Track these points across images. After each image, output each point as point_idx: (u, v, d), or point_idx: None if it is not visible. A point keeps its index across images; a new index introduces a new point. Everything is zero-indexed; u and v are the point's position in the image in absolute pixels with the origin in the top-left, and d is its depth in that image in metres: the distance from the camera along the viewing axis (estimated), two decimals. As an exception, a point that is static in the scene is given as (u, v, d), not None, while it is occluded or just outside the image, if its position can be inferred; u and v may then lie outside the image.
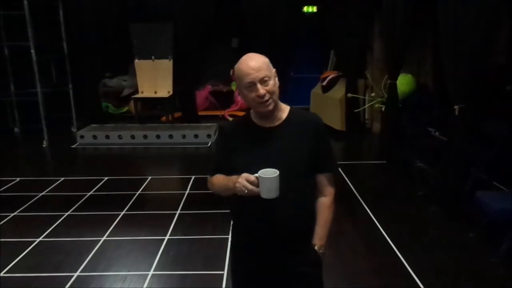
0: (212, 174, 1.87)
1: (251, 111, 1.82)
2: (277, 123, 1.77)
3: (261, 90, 1.66)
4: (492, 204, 3.59)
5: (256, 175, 1.61)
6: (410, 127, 5.84)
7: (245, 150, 1.76)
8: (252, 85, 1.67)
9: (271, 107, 1.71)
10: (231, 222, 1.88)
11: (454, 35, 4.02)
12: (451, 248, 3.61)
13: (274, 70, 1.75)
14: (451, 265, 3.36)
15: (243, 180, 1.62)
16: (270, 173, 1.60)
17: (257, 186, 1.61)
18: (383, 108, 6.43)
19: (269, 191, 1.60)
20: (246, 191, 1.62)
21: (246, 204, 1.71)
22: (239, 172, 1.66)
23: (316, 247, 1.79)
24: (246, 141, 1.78)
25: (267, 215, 1.69)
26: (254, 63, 1.68)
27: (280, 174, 1.60)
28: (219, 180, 1.82)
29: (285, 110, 1.81)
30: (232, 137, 1.83)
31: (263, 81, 1.67)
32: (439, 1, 4.19)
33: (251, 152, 1.75)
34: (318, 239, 1.80)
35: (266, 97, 1.68)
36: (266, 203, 1.63)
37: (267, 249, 1.75)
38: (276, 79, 1.74)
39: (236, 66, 1.72)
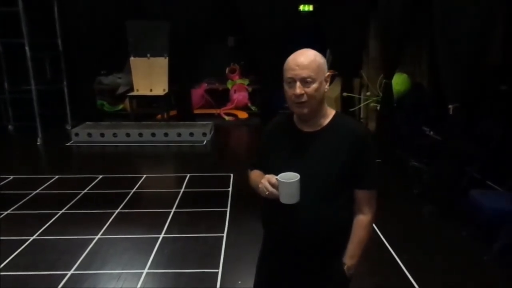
0: (252, 169, 1.84)
1: None
2: (317, 128, 1.67)
3: (298, 89, 1.56)
4: (486, 203, 3.61)
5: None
6: (405, 126, 5.87)
7: (280, 151, 1.71)
8: (292, 81, 1.58)
9: (305, 111, 1.60)
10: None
11: (449, 35, 4.04)
12: (445, 247, 3.63)
13: (326, 74, 1.63)
14: (445, 263, 3.38)
15: (265, 181, 1.58)
16: (291, 177, 1.54)
17: (278, 188, 1.57)
18: (378, 107, 6.45)
19: (287, 196, 1.55)
20: (266, 193, 1.58)
21: (271, 208, 1.67)
22: (272, 173, 1.61)
23: (345, 267, 1.68)
24: (283, 143, 1.72)
25: (289, 222, 1.64)
26: (302, 60, 1.57)
27: (309, 182, 1.54)
28: (255, 176, 1.77)
29: (328, 116, 1.69)
30: (271, 136, 1.78)
31: (304, 81, 1.56)
32: (435, 0, 4.20)
33: (285, 154, 1.69)
34: (349, 258, 1.68)
35: (303, 99, 1.57)
36: (289, 210, 1.58)
37: (288, 256, 1.71)
38: (325, 84, 1.63)
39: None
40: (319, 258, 1.69)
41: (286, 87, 1.62)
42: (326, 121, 1.68)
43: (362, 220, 1.69)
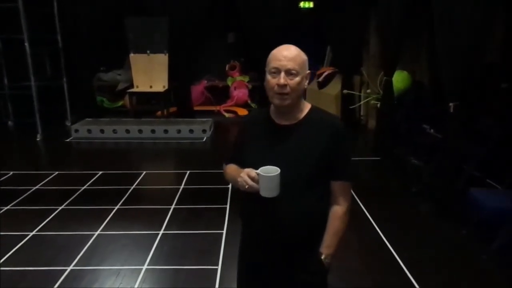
0: (227, 163, 1.85)
1: (271, 106, 1.76)
2: (293, 122, 1.71)
3: (282, 79, 1.60)
4: (485, 202, 3.61)
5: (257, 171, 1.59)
6: (405, 124, 5.87)
7: (257, 145, 1.74)
8: (277, 71, 1.62)
9: (286, 102, 1.65)
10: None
11: (450, 33, 4.03)
12: (444, 245, 3.63)
13: (308, 72, 1.69)
14: (444, 262, 3.38)
15: (245, 175, 1.60)
16: (271, 171, 1.56)
17: (258, 182, 1.58)
18: (378, 105, 6.44)
19: (268, 190, 1.57)
20: (246, 187, 1.60)
21: (251, 201, 1.68)
22: (248, 166, 1.64)
23: (322, 256, 1.71)
24: (260, 136, 1.75)
25: (268, 215, 1.67)
26: (288, 53, 1.63)
27: (286, 175, 1.56)
28: (231, 170, 1.79)
29: (304, 110, 1.74)
30: (249, 130, 1.81)
31: (289, 73, 1.61)
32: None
33: (262, 148, 1.71)
34: (325, 248, 1.71)
35: (285, 90, 1.61)
36: (268, 203, 1.60)
37: (268, 249, 1.73)
38: (306, 81, 1.68)
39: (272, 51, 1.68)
40: (299, 250, 1.71)
41: (269, 77, 1.65)
42: (302, 114, 1.73)
43: (337, 211, 1.73)
